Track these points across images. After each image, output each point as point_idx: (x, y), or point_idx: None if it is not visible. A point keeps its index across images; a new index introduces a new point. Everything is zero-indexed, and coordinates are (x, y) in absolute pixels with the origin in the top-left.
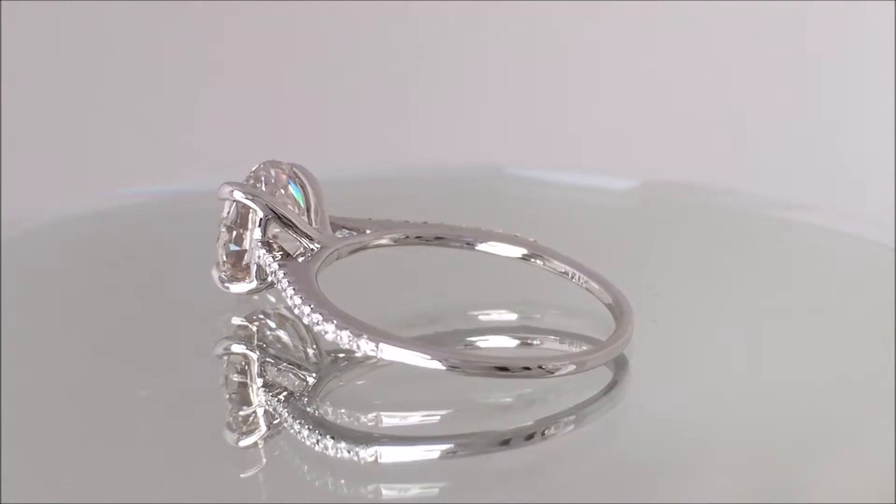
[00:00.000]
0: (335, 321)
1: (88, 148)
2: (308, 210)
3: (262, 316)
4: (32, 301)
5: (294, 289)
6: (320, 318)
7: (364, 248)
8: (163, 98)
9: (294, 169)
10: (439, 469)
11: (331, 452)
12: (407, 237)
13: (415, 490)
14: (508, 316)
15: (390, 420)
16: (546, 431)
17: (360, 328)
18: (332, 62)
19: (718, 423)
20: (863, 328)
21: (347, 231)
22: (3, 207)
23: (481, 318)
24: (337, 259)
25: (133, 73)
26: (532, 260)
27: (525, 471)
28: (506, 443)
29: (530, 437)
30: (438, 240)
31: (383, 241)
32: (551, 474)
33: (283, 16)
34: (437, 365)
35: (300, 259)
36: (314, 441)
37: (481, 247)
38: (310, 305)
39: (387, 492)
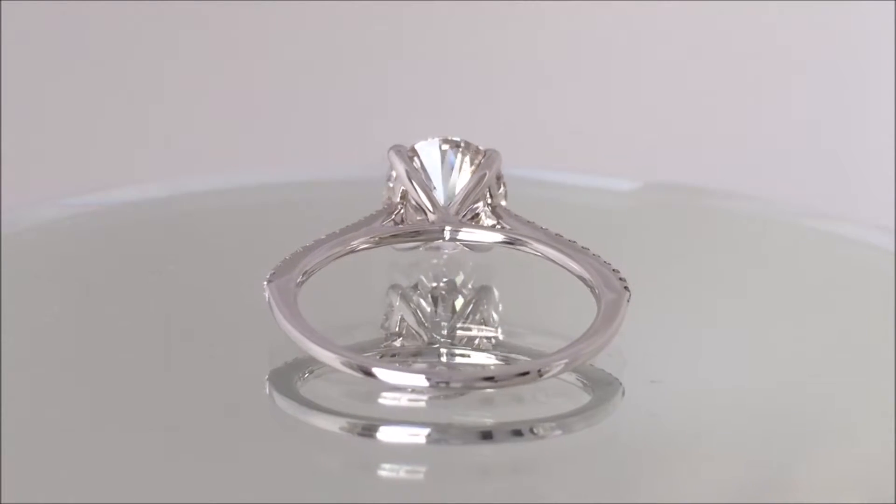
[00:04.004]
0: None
1: (86, 147)
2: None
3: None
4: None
5: (277, 308)
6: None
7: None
8: (162, 97)
9: (485, 150)
10: (422, 454)
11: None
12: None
13: (394, 472)
14: (490, 323)
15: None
16: (534, 429)
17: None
18: (332, 61)
19: (716, 425)
20: (862, 330)
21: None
22: (2, 207)
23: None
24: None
25: (132, 72)
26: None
27: (511, 467)
28: (489, 436)
29: (517, 433)
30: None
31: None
32: (538, 471)
33: (283, 14)
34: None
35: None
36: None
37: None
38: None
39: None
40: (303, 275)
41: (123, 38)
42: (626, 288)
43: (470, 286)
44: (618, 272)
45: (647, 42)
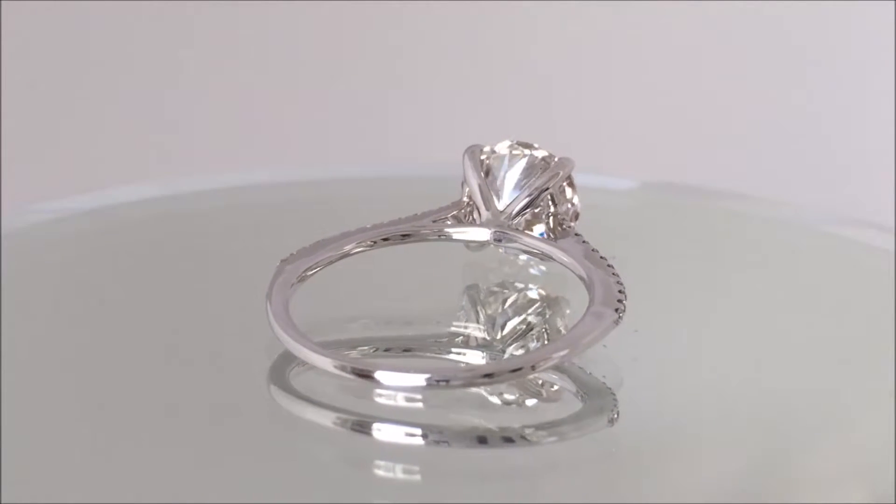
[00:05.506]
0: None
1: (85, 147)
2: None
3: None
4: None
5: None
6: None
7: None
8: (161, 96)
9: (556, 158)
10: (414, 455)
11: None
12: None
13: (389, 472)
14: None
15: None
16: (525, 435)
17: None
18: (331, 61)
19: (716, 424)
20: (863, 330)
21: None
22: (2, 207)
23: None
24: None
25: (130, 71)
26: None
27: (503, 473)
28: (483, 441)
29: (508, 439)
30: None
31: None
32: (532, 477)
33: (283, 13)
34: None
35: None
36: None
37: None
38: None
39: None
40: (304, 272)
41: (126, 38)
42: (617, 310)
43: (540, 294)
44: (623, 293)
45: (647, 41)
